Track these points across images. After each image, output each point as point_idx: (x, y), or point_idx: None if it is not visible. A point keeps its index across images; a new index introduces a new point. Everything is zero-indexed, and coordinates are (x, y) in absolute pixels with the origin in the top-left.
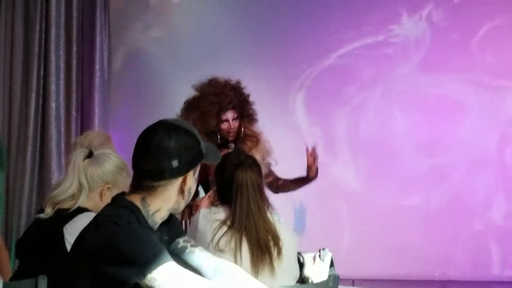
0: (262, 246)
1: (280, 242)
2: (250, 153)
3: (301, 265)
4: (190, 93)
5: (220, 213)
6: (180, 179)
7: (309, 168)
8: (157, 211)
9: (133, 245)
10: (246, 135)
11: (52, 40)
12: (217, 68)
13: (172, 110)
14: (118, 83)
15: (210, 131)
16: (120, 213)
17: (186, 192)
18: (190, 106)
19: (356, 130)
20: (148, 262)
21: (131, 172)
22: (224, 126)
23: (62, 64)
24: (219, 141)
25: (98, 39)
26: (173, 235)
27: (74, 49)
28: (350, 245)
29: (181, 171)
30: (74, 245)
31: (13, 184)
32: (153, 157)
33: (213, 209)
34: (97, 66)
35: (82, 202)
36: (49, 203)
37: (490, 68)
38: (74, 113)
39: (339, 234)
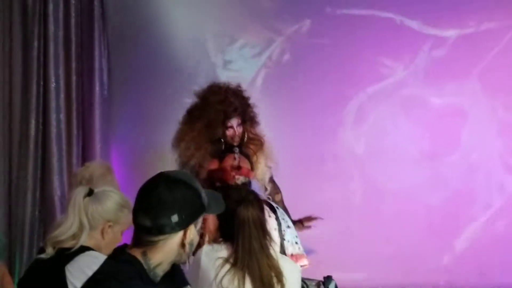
0: (265, 283)
1: (284, 279)
2: (255, 157)
3: None
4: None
5: (223, 251)
6: (180, 233)
7: (301, 225)
8: (158, 265)
9: None
10: (249, 138)
11: (51, 56)
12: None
13: (173, 123)
14: (118, 98)
15: (215, 140)
16: (120, 269)
17: (187, 245)
18: (195, 115)
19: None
20: None
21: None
22: (229, 132)
23: (61, 81)
24: (223, 148)
25: (97, 54)
26: (176, 285)
27: (73, 65)
28: (353, 254)
29: (181, 226)
30: None
31: (16, 202)
32: (152, 212)
33: (216, 246)
34: (97, 82)
35: (83, 241)
36: (50, 243)
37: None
38: (75, 130)
39: (341, 243)
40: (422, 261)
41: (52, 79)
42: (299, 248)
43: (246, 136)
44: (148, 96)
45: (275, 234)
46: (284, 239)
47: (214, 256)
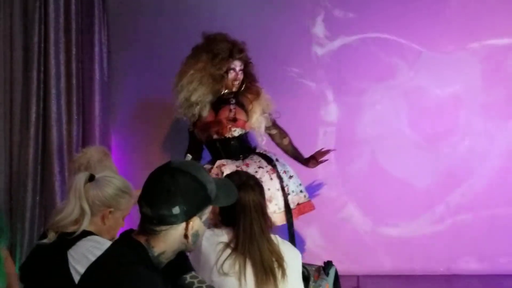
0: (266, 268)
1: (284, 263)
2: (251, 105)
3: (306, 278)
4: None
5: (224, 236)
6: (183, 224)
7: (315, 160)
8: (161, 253)
9: (134, 286)
10: (247, 87)
11: (51, 43)
12: None
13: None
14: (118, 85)
15: (218, 76)
16: (124, 253)
17: (190, 236)
18: (201, 49)
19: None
20: None
21: (134, 193)
22: (231, 75)
23: (62, 67)
24: (224, 91)
25: (97, 41)
26: (180, 270)
27: (74, 51)
28: (353, 242)
29: (183, 218)
30: (79, 284)
31: (16, 187)
32: (155, 203)
33: (216, 231)
34: (97, 69)
35: (85, 226)
36: (52, 229)
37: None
38: (75, 115)
39: (343, 230)
40: (422, 248)
41: (53, 64)
42: (304, 196)
43: (244, 84)
44: (148, 82)
45: (278, 195)
46: (289, 194)
47: (215, 241)
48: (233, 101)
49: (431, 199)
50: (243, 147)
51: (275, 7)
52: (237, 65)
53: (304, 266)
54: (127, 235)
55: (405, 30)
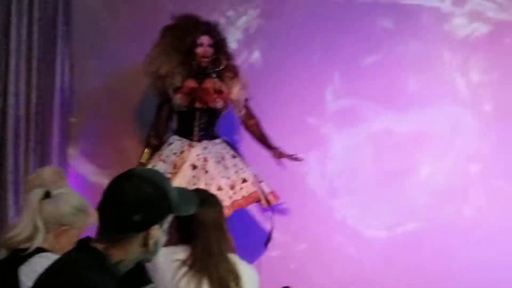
0: (223, 287)
1: (242, 283)
2: (230, 82)
3: None
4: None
5: (181, 253)
6: (143, 233)
7: (281, 153)
8: (120, 262)
9: None
10: (226, 66)
11: (11, 71)
12: None
13: (134, 140)
14: (79, 114)
15: (185, 52)
16: (79, 259)
17: (150, 246)
18: (168, 27)
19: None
20: None
21: (92, 211)
22: (199, 50)
23: (21, 96)
24: (195, 65)
25: (58, 69)
26: (138, 282)
27: (34, 80)
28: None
29: (143, 226)
30: None
31: None
32: (115, 209)
33: (173, 248)
34: (58, 98)
35: (38, 243)
36: (4, 245)
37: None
38: (32, 144)
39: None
40: None
41: (12, 92)
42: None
43: (220, 62)
44: (110, 113)
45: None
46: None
47: (172, 258)
48: (214, 75)
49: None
50: (214, 125)
51: None
52: (205, 40)
53: None
54: (83, 242)
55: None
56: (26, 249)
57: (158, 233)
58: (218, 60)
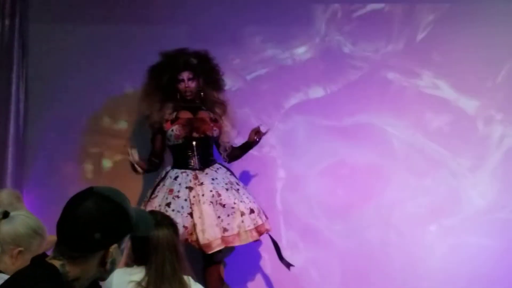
0: None
1: None
2: (221, 120)
3: None
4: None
5: (136, 274)
6: (101, 252)
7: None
8: (76, 280)
9: None
10: (214, 101)
11: None
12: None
13: (91, 170)
14: (34, 143)
15: (167, 88)
16: (35, 276)
17: (108, 264)
18: (151, 68)
19: None
20: None
21: (46, 237)
22: (181, 86)
23: None
24: (179, 98)
25: (13, 97)
26: None
27: None
28: None
29: (104, 245)
30: None
31: None
32: (75, 227)
33: (128, 269)
34: (12, 125)
35: None
36: None
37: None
38: None
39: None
40: None
41: None
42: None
43: (204, 94)
44: (64, 141)
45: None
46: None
47: (126, 280)
48: (205, 109)
49: None
50: (211, 152)
51: None
52: (185, 76)
53: None
54: (39, 258)
55: None
56: None
57: (116, 252)
58: (205, 94)
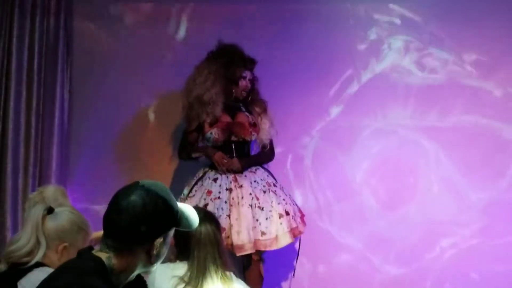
0: None
1: None
2: (260, 118)
3: None
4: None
5: (178, 269)
6: (148, 244)
7: None
8: (122, 272)
9: None
10: (255, 100)
11: (12, 96)
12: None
13: (134, 168)
14: (78, 139)
15: (231, 81)
16: (81, 264)
17: (153, 258)
18: (216, 54)
19: None
20: None
21: (91, 232)
22: (242, 83)
23: (21, 120)
24: (233, 96)
25: (58, 95)
26: None
27: (34, 105)
28: None
29: (149, 237)
30: None
31: None
32: (122, 220)
33: (171, 264)
34: (56, 123)
35: (38, 258)
36: (4, 259)
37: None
38: (31, 168)
39: None
40: None
41: (11, 117)
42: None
43: (252, 94)
44: (108, 138)
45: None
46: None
47: (169, 274)
48: (244, 109)
49: None
50: (249, 155)
51: None
52: (248, 74)
53: None
54: (86, 251)
55: None
56: (26, 263)
57: (162, 246)
58: (250, 92)
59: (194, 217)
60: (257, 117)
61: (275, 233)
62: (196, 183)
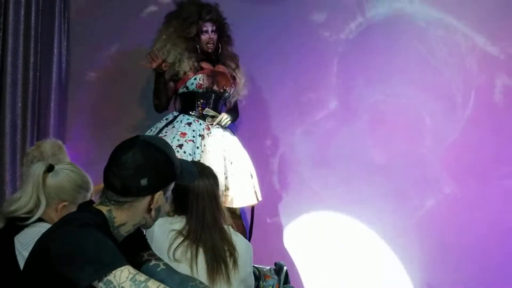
0: (217, 256)
1: (236, 253)
2: (234, 73)
3: (257, 278)
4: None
5: (177, 223)
6: (148, 198)
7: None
8: (122, 225)
9: (90, 246)
10: (227, 55)
11: (9, 51)
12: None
13: (132, 124)
14: (76, 96)
15: (190, 39)
16: (82, 216)
17: (153, 211)
18: (172, 15)
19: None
20: (104, 264)
21: (91, 189)
22: (204, 36)
23: (19, 76)
24: (199, 51)
25: (56, 50)
26: (137, 248)
27: (32, 60)
28: None
29: (149, 191)
30: (32, 249)
31: None
32: (122, 173)
33: (169, 218)
34: (54, 79)
35: (39, 216)
36: (3, 217)
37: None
38: (29, 124)
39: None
40: None
41: (9, 71)
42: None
43: (221, 48)
44: (106, 96)
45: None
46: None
47: (168, 228)
48: (220, 62)
49: None
50: (221, 108)
51: None
52: (209, 27)
53: (255, 267)
54: (86, 204)
55: None
56: (24, 218)
57: (162, 200)
58: (221, 47)
59: (193, 171)
60: (232, 72)
61: (241, 190)
62: (166, 126)
